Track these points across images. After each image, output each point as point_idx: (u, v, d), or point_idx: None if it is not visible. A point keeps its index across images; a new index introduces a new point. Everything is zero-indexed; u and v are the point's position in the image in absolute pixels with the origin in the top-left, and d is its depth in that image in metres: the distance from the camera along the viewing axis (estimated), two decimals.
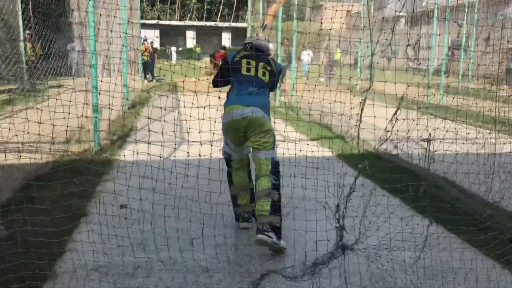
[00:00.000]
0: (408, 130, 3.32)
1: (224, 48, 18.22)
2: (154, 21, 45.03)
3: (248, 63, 3.70)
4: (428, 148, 2.95)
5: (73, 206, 3.90)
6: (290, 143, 3.99)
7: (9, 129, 3.82)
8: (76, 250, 3.16)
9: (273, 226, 3.33)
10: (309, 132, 7.11)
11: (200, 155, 3.41)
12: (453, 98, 4.68)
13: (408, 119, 3.30)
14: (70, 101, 3.06)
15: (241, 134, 3.56)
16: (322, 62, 14.48)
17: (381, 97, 3.51)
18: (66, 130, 4.53)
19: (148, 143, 3.45)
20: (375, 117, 3.76)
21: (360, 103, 4.37)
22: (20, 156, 4.05)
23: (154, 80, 18.61)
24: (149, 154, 3.25)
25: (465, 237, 3.49)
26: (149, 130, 3.44)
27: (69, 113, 3.12)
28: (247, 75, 3.64)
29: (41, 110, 3.38)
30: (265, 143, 3.51)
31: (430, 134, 3.01)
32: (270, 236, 3.27)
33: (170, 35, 44.24)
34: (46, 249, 2.97)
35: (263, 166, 3.49)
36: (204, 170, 3.56)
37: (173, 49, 35.92)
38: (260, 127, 3.50)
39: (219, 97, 3.59)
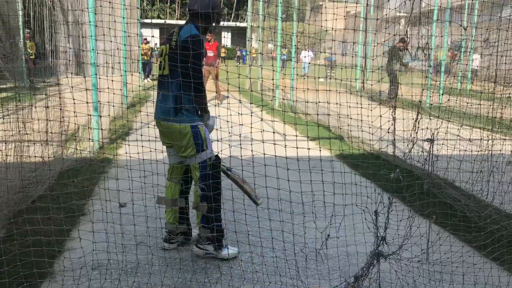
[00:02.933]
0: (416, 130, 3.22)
1: (210, 31, 11.82)
2: (162, 21, 44.67)
3: (161, 53, 3.29)
4: (431, 148, 2.93)
5: (73, 205, 3.89)
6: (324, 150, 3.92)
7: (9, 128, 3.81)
8: (75, 249, 3.16)
9: (210, 238, 3.21)
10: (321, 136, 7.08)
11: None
12: (456, 99, 4.65)
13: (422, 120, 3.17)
14: (74, 99, 3.03)
15: (165, 140, 3.35)
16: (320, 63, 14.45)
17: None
18: (64, 130, 4.51)
19: (149, 140, 3.45)
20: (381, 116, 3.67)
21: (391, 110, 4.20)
22: (20, 155, 4.03)
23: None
24: (150, 150, 3.22)
25: (464, 238, 3.49)
26: (148, 125, 3.42)
27: (74, 111, 3.08)
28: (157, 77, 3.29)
29: (47, 107, 3.35)
30: (184, 152, 3.20)
31: (433, 134, 3.00)
32: (206, 249, 3.25)
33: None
34: (46, 248, 2.97)
35: (193, 175, 3.26)
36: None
37: None
38: (171, 136, 3.19)
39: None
